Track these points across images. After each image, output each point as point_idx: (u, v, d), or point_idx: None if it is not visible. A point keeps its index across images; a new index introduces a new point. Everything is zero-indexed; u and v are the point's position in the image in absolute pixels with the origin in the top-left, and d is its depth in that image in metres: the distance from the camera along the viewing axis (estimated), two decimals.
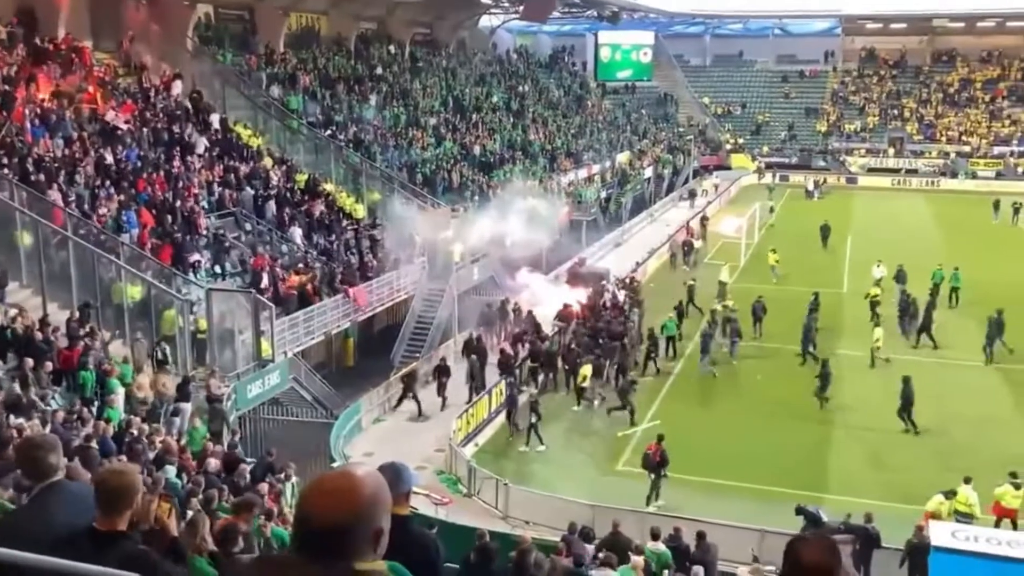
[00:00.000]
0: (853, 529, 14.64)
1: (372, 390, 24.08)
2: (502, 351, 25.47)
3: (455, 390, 23.98)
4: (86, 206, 21.89)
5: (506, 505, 18.38)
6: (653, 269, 39.38)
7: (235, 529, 7.35)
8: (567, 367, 25.16)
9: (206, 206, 26.17)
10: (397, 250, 29.59)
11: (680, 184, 61.38)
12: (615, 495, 18.05)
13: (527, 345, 25.90)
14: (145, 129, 27.15)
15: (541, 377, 25.16)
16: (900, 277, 32.33)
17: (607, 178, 53.76)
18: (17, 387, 14.64)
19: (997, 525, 16.22)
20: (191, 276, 22.22)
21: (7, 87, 24.06)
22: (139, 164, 25.32)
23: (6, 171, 20.63)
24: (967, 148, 65.73)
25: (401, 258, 29.49)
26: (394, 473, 3.44)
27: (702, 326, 27.43)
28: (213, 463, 13.80)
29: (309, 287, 24.89)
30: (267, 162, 30.82)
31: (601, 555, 12.08)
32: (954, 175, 63.25)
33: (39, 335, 16.67)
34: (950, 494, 16.38)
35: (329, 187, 32.44)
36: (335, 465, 16.82)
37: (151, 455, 13.29)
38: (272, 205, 28.26)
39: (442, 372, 24.11)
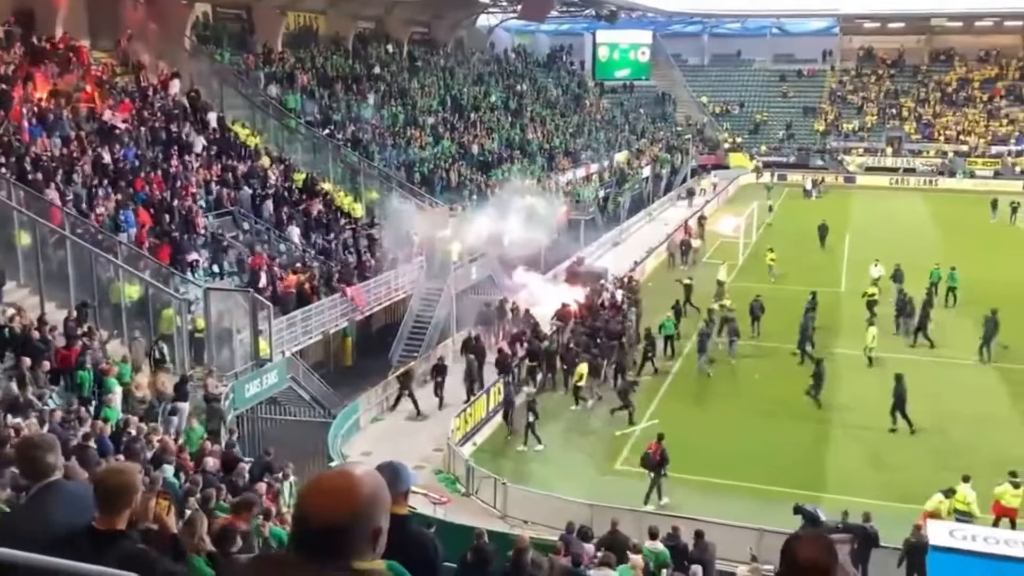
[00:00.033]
0: (851, 528, 14.65)
1: (370, 389, 24.09)
2: (500, 350, 25.47)
3: (453, 389, 23.97)
4: (84, 205, 21.86)
5: (504, 504, 18.38)
6: (651, 268, 39.40)
7: (233, 529, 7.35)
8: (565, 367, 25.18)
9: (204, 205, 26.14)
10: (395, 249, 29.58)
11: (678, 183, 61.40)
12: (613, 494, 18.06)
13: (525, 344, 25.91)
14: (143, 128, 27.12)
15: (539, 376, 25.19)
16: (897, 276, 32.38)
17: (605, 177, 53.73)
18: (15, 386, 14.62)
19: (996, 524, 16.25)
20: (189, 275, 22.20)
21: (4, 86, 24.00)
22: (137, 163, 25.29)
23: (3, 170, 20.61)
24: (965, 147, 65.79)
25: (399, 257, 29.48)
26: (392, 472, 3.44)
27: (700, 325, 27.44)
28: (211, 462, 13.80)
29: (307, 286, 24.87)
30: (265, 161, 30.80)
31: (600, 554, 12.09)
32: (952, 174, 63.31)
33: (36, 334, 16.65)
34: (949, 492, 16.39)
35: (327, 186, 32.42)
36: (333, 464, 16.82)
37: (149, 454, 13.28)
38: (270, 204, 28.24)
39: (439, 371, 24.11)
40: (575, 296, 30.52)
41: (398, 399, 23.86)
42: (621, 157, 58.09)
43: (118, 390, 16.54)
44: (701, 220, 45.54)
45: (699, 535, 14.02)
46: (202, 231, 24.77)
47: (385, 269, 28.65)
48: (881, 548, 14.66)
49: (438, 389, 23.92)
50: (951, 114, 68.97)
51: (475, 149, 43.43)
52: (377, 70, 44.01)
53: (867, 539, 14.53)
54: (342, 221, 30.94)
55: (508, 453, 21.69)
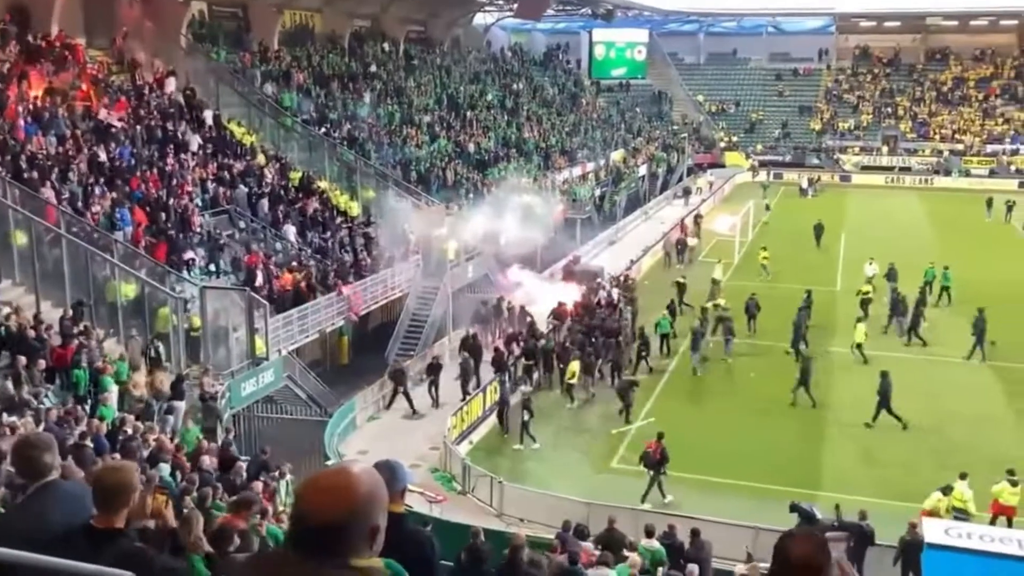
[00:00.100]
0: (847, 526, 14.67)
1: (366, 388, 24.08)
2: (496, 349, 25.47)
3: (447, 388, 23.95)
4: (79, 204, 21.82)
5: (500, 503, 18.39)
6: (647, 267, 39.43)
7: (231, 528, 7.34)
8: (561, 366, 25.19)
9: (200, 204, 26.11)
10: (391, 248, 29.57)
11: (674, 182, 61.44)
12: (610, 492, 18.08)
13: (521, 344, 25.91)
14: (138, 127, 27.08)
15: (536, 375, 25.21)
16: (891, 275, 32.42)
17: (601, 176, 53.75)
18: (10, 385, 14.61)
19: (993, 522, 16.28)
20: (185, 274, 22.17)
21: None
22: (132, 162, 25.25)
23: None
24: (960, 146, 65.88)
25: (395, 256, 29.47)
26: (389, 471, 3.44)
27: (694, 324, 27.47)
28: (208, 461, 13.79)
29: (303, 285, 24.86)
30: (261, 160, 30.77)
31: (597, 553, 12.09)
32: (947, 173, 63.40)
33: (32, 333, 16.63)
34: (947, 490, 16.43)
35: (323, 185, 32.39)
36: (329, 463, 16.82)
37: (145, 453, 13.27)
38: (266, 203, 28.20)
39: (433, 370, 24.09)
40: (571, 295, 30.53)
41: (392, 398, 23.85)
42: (617, 156, 58.09)
43: (114, 389, 16.54)
44: (697, 219, 45.58)
45: (695, 533, 14.03)
46: (198, 230, 24.74)
47: (381, 268, 28.64)
48: (877, 546, 14.69)
49: (432, 388, 23.90)
50: (947, 113, 69.07)
51: (471, 148, 43.41)
52: (373, 68, 43.98)
53: (863, 537, 14.55)
54: (338, 220, 30.91)
55: (504, 451, 21.70)
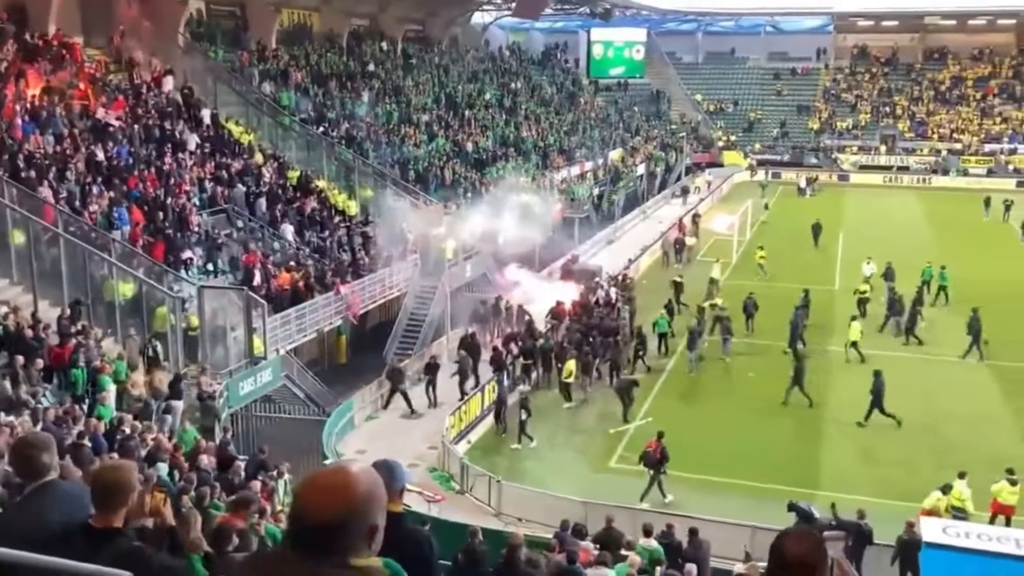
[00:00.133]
0: (845, 525, 14.68)
1: (364, 387, 24.07)
2: (494, 348, 25.47)
3: (444, 388, 23.92)
4: (77, 203, 21.81)
5: (499, 502, 18.39)
6: (646, 266, 39.44)
7: (229, 528, 7.35)
8: (560, 365, 25.18)
9: (197, 203, 26.09)
10: (389, 247, 29.56)
11: (672, 181, 61.43)
12: (608, 492, 18.08)
13: (520, 343, 25.91)
14: (136, 126, 27.06)
15: (534, 374, 25.21)
16: (888, 274, 32.44)
17: (600, 175, 53.76)
18: (8, 385, 14.60)
19: (992, 521, 16.30)
20: (183, 273, 22.16)
21: None
22: (130, 161, 25.24)
23: None
24: (958, 145, 65.90)
25: (393, 255, 29.46)
26: (387, 470, 3.44)
27: (691, 323, 27.47)
28: (206, 460, 13.79)
29: (301, 284, 24.85)
30: (259, 159, 30.75)
31: (596, 552, 12.09)
32: (945, 172, 63.41)
33: (30, 332, 16.61)
34: (946, 489, 16.44)
35: (321, 184, 32.38)
36: (327, 462, 16.81)
37: (143, 453, 13.27)
38: (263, 202, 28.18)
39: (431, 370, 24.06)
40: (569, 294, 30.54)
41: (390, 398, 23.85)
42: (615, 155, 58.10)
43: (112, 388, 16.52)
44: (695, 218, 45.60)
45: (693, 533, 14.04)
46: (196, 229, 24.73)
47: (379, 267, 28.63)
48: (875, 545, 14.70)
49: (429, 388, 23.87)
50: (945, 112, 69.11)
51: (469, 147, 43.40)
52: (371, 67, 43.96)
53: (861, 536, 14.56)
54: (336, 219, 30.90)
55: (502, 451, 21.69)
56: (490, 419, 22.93)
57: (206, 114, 30.64)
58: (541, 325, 27.78)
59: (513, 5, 56.13)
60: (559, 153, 51.08)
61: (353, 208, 32.43)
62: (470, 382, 24.01)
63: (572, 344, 25.50)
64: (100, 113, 26.09)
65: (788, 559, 2.54)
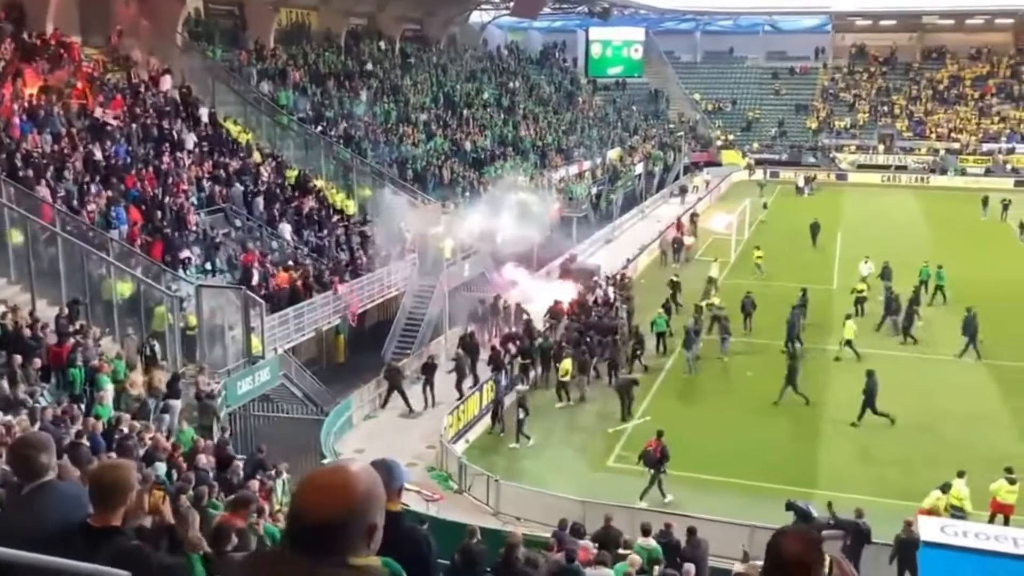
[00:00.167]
0: (843, 524, 14.68)
1: (363, 386, 24.07)
2: (493, 348, 25.47)
3: (444, 388, 23.92)
4: (75, 202, 21.79)
5: (497, 501, 18.40)
6: (644, 265, 39.45)
7: (228, 527, 7.35)
8: (557, 365, 25.18)
9: (195, 202, 26.08)
10: (388, 246, 29.55)
11: (671, 180, 61.44)
12: (606, 491, 18.10)
13: (518, 343, 25.90)
14: (134, 125, 27.03)
15: (532, 374, 25.20)
16: (885, 274, 32.47)
17: (598, 174, 53.76)
18: (6, 384, 14.58)
19: (991, 520, 16.32)
20: (181, 273, 22.14)
21: None
22: (128, 160, 25.21)
23: None
24: (956, 145, 65.95)
25: (392, 254, 29.45)
26: (386, 470, 3.44)
27: (688, 322, 27.48)
28: (204, 459, 13.77)
29: (299, 283, 24.83)
30: (257, 158, 30.73)
31: (595, 552, 12.09)
32: (943, 172, 63.46)
33: (28, 332, 16.59)
34: (946, 488, 16.45)
35: (319, 183, 32.37)
36: (326, 462, 16.81)
37: (141, 452, 13.25)
38: (261, 201, 28.16)
39: (428, 370, 24.03)
40: (568, 293, 30.54)
41: (388, 397, 23.85)
42: (614, 154, 58.09)
43: (109, 387, 16.50)
44: (693, 217, 45.60)
45: (691, 532, 14.05)
46: (194, 228, 24.72)
47: (378, 266, 28.62)
48: (873, 544, 14.71)
49: (427, 388, 23.84)
50: (943, 112, 69.15)
51: (468, 146, 43.40)
52: (369, 67, 43.94)
53: (859, 535, 14.56)
54: (334, 218, 30.88)
55: (500, 450, 21.70)
56: (488, 418, 22.92)
57: (204, 113, 30.61)
58: (539, 324, 27.78)
59: (511, 4, 56.09)
60: (557, 152, 51.08)
61: (351, 207, 32.42)
62: (468, 381, 24.01)
63: (570, 343, 25.52)
64: (98, 112, 26.05)
65: (785, 558, 2.54)
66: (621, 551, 12.68)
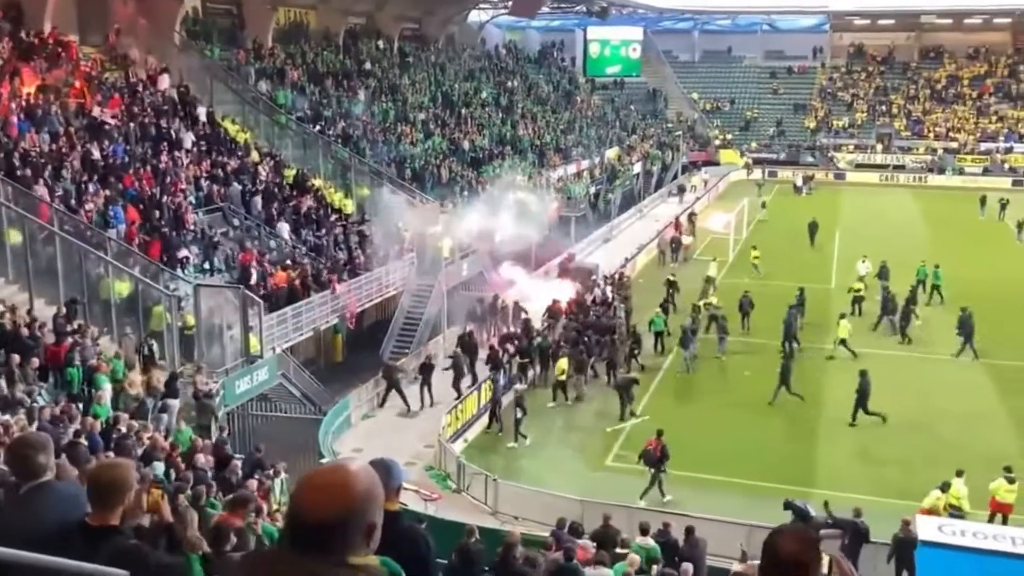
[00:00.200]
0: (842, 524, 14.69)
1: (361, 386, 24.07)
2: (491, 347, 25.47)
3: (442, 387, 23.91)
4: (73, 201, 21.76)
5: (495, 501, 18.41)
6: (642, 265, 39.45)
7: (227, 527, 7.34)
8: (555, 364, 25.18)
9: (193, 201, 26.05)
10: (386, 246, 29.53)
11: (669, 180, 61.43)
12: (604, 490, 18.12)
13: (516, 342, 25.90)
14: (132, 124, 26.99)
15: (531, 373, 25.20)
16: (883, 273, 32.49)
17: (596, 174, 53.73)
18: (3, 383, 14.56)
19: (991, 520, 16.35)
20: (179, 272, 22.12)
21: None
22: (126, 159, 25.18)
23: None
24: (954, 144, 65.97)
25: (390, 254, 29.43)
26: (384, 469, 3.44)
27: (685, 322, 27.48)
28: (202, 459, 13.77)
29: (297, 283, 24.82)
30: (255, 157, 30.70)
31: (594, 551, 12.09)
32: (941, 171, 63.46)
33: (25, 331, 16.57)
34: (946, 487, 16.46)
35: (318, 182, 32.35)
36: (324, 461, 16.81)
37: (139, 451, 13.25)
38: (259, 200, 28.13)
39: (425, 370, 24.01)
40: (566, 292, 30.54)
41: (386, 396, 23.84)
42: (612, 153, 58.07)
43: (107, 387, 16.49)
44: (692, 217, 45.60)
45: (690, 531, 14.06)
46: (192, 227, 24.69)
47: (376, 265, 28.60)
48: (871, 543, 14.72)
49: (424, 388, 23.81)
50: (941, 111, 69.18)
51: (466, 145, 43.38)
52: (368, 66, 43.91)
53: (857, 534, 14.58)
54: (332, 217, 30.86)
55: (499, 449, 21.70)
56: (486, 418, 22.92)
57: (202, 112, 30.58)
58: (538, 323, 27.78)
59: (509, 3, 56.09)
60: (555, 151, 51.07)
61: (349, 206, 32.40)
62: (466, 380, 24.00)
63: (568, 343, 25.52)
64: (96, 111, 26.02)
65: (781, 557, 2.54)
66: (619, 550, 12.68)
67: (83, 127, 25.32)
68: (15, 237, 19.47)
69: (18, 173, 20.85)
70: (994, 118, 67.58)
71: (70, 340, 17.05)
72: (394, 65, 46.48)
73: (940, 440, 21.19)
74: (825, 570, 3.34)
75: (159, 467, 12.62)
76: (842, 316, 27.77)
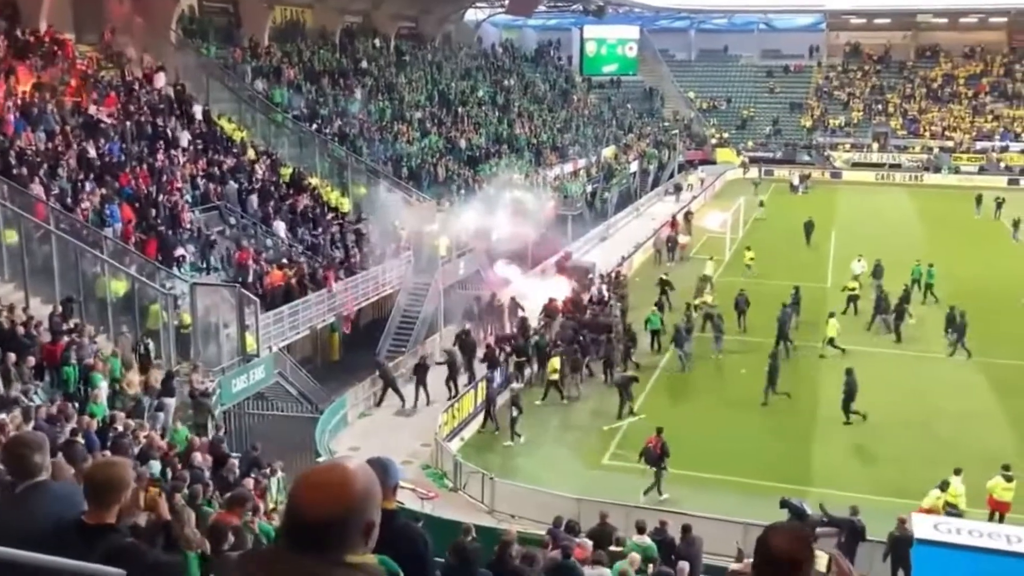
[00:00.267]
0: (838, 522, 14.73)
1: (357, 384, 24.05)
2: (488, 346, 25.47)
3: (439, 386, 23.90)
4: (69, 200, 21.72)
5: (492, 499, 18.42)
6: (639, 263, 39.47)
7: (224, 526, 7.34)
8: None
9: (190, 200, 26.01)
10: (382, 244, 29.51)
11: (665, 179, 61.47)
12: (601, 489, 18.12)
13: (512, 341, 25.90)
14: (128, 122, 26.94)
15: (527, 372, 25.20)
16: (877, 272, 32.51)
17: (593, 172, 53.74)
18: None
19: (991, 518, 16.38)
20: (175, 270, 22.09)
21: None
22: (122, 157, 25.14)
23: None
24: (950, 143, 66.09)
25: (386, 252, 29.41)
26: (381, 467, 3.44)
27: (679, 320, 27.48)
28: (199, 458, 13.76)
29: (294, 281, 24.79)
30: (251, 155, 30.66)
31: (591, 550, 12.09)
32: (937, 170, 63.57)
33: (21, 330, 16.55)
34: (944, 486, 16.49)
35: (314, 181, 32.32)
36: (320, 460, 16.81)
37: (136, 450, 13.23)
38: (256, 199, 28.10)
39: (421, 370, 24.00)
40: (562, 291, 30.54)
41: (383, 395, 23.82)
42: (608, 152, 58.10)
43: (104, 386, 16.47)
44: (688, 216, 45.61)
45: (686, 529, 14.07)
46: (188, 226, 24.65)
47: (372, 264, 28.58)
48: (868, 542, 14.74)
49: (419, 388, 23.79)
50: (937, 110, 69.29)
51: (463, 144, 43.37)
52: (364, 64, 43.88)
53: (854, 532, 14.61)
54: (329, 216, 30.84)
55: (495, 448, 21.71)
56: (482, 416, 22.92)
57: (198, 111, 30.53)
58: (534, 322, 27.77)
59: (506, 2, 56.05)
60: (552, 150, 51.07)
61: (346, 205, 32.38)
62: (463, 378, 24.00)
63: (564, 341, 25.51)
64: (92, 110, 25.98)
65: (774, 554, 2.53)
66: (615, 548, 12.68)
67: (79, 125, 25.26)
68: (11, 236, 19.44)
69: (14, 172, 20.81)
70: (990, 117, 67.72)
71: (66, 339, 17.02)
72: (390, 64, 46.46)
73: (936, 438, 21.22)
74: (824, 568, 3.34)
75: (155, 466, 12.60)
76: (831, 315, 27.76)
